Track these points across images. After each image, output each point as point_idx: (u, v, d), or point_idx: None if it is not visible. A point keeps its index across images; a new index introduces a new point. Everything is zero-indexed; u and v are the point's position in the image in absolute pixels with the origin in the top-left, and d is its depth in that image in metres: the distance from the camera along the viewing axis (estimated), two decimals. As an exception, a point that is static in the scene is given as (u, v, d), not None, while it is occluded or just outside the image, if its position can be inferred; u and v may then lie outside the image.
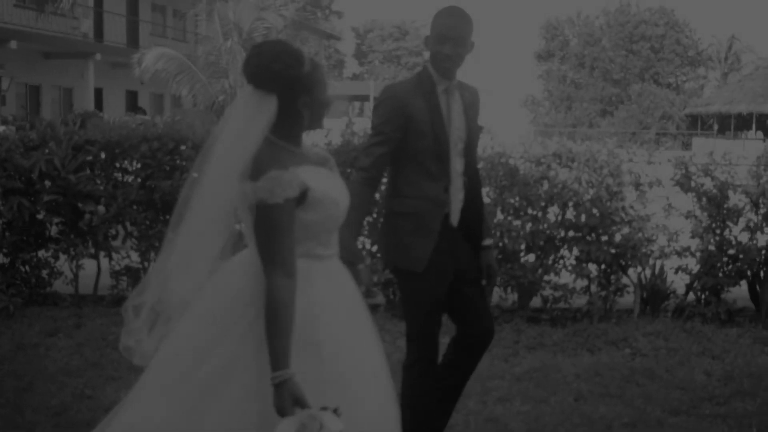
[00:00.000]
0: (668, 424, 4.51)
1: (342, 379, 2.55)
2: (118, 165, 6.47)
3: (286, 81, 2.48)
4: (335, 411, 2.38)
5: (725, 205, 6.37)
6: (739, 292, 6.75)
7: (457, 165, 3.57)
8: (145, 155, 6.22)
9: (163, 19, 33.27)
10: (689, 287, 6.57)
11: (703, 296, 6.51)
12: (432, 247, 3.50)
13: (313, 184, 2.51)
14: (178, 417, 2.53)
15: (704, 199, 6.37)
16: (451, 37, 3.46)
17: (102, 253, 6.69)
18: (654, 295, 6.51)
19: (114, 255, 6.64)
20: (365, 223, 5.59)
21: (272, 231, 2.44)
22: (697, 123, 43.47)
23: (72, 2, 18.81)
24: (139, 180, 6.37)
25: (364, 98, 36.29)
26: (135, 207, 6.32)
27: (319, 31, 44.86)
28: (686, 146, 38.48)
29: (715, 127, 41.06)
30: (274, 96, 2.47)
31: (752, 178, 6.27)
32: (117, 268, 6.63)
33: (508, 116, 56.46)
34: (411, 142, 3.48)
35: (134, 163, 6.35)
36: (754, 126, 38.12)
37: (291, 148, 2.57)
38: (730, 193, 6.41)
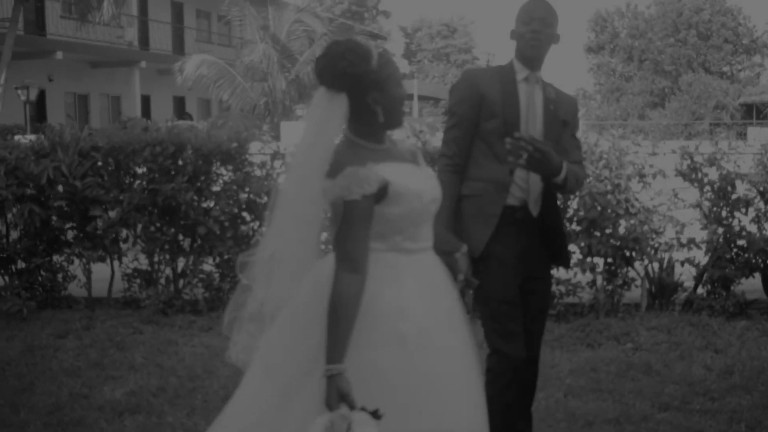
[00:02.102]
0: (654, 420, 4.43)
1: (430, 372, 2.53)
2: (123, 170, 6.61)
3: (353, 78, 2.48)
4: (375, 412, 2.35)
5: (732, 196, 6.23)
6: (754, 284, 6.62)
7: None
8: (148, 160, 6.35)
9: (208, 25, 33.74)
10: (698, 280, 6.45)
11: (712, 289, 6.39)
12: (490, 233, 3.36)
13: (392, 179, 2.51)
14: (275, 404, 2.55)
15: (708, 190, 6.25)
16: (537, 17, 3.41)
17: (114, 256, 6.86)
18: (662, 288, 6.41)
19: (124, 258, 6.79)
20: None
21: (345, 226, 2.46)
22: (752, 112, 42.41)
23: (112, 12, 19.14)
24: (144, 184, 6.50)
25: (407, 96, 36.28)
26: (139, 211, 6.45)
27: (365, 31, 45.04)
28: (741, 136, 37.57)
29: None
30: (343, 94, 2.49)
31: (757, 167, 6.12)
32: (128, 271, 6.78)
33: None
34: (482, 122, 3.42)
35: (138, 167, 6.48)
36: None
37: (371, 145, 2.57)
38: (738, 183, 6.28)
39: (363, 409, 2.35)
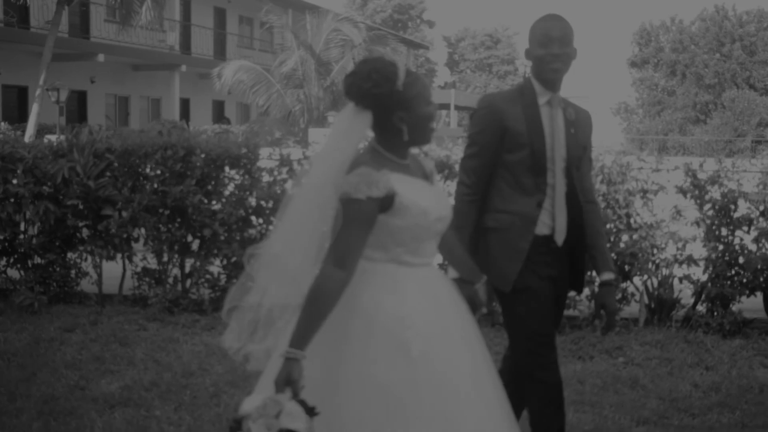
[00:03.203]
0: (629, 433, 4.49)
1: (434, 381, 2.54)
2: (139, 171, 6.82)
3: (377, 99, 2.56)
4: (312, 409, 2.37)
5: (733, 214, 6.24)
6: (756, 303, 6.61)
7: (559, 183, 3.35)
8: (159, 162, 6.55)
9: (250, 31, 34.20)
10: (697, 297, 6.46)
11: (711, 306, 6.39)
12: (519, 267, 3.30)
13: (401, 191, 2.57)
14: None
15: (709, 208, 6.26)
16: (555, 37, 3.28)
17: (125, 255, 7.07)
18: (661, 304, 6.42)
19: (134, 257, 6.99)
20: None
21: (345, 223, 2.51)
22: (797, 130, 41.79)
23: (152, 17, 19.56)
24: (155, 186, 6.69)
25: (445, 107, 36.35)
26: (149, 212, 6.64)
27: (407, 40, 45.20)
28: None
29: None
30: (369, 112, 2.58)
31: (758, 186, 6.12)
32: (137, 269, 6.98)
33: (600, 124, 55.39)
34: (506, 153, 3.32)
35: (150, 170, 6.68)
36: None
37: (396, 159, 2.65)
38: (741, 201, 6.28)
39: (302, 402, 2.38)
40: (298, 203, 2.63)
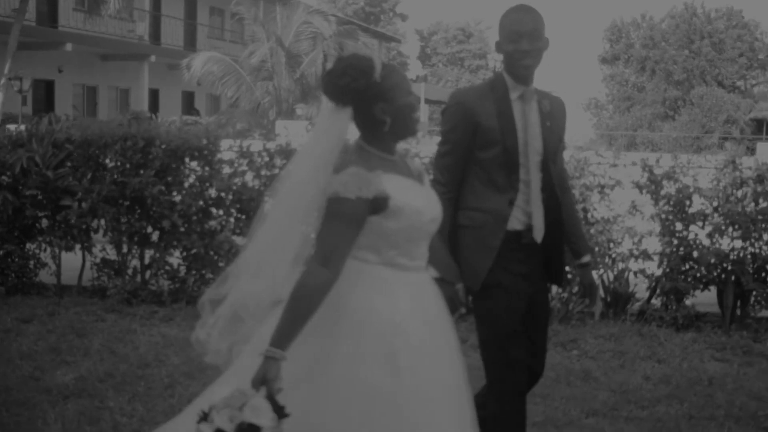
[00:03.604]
0: (578, 425, 4.55)
1: (419, 391, 2.52)
2: (99, 161, 6.79)
3: (356, 93, 2.54)
4: (282, 409, 2.34)
5: (688, 209, 6.34)
6: (710, 297, 6.72)
7: (534, 178, 3.30)
8: (118, 153, 6.53)
9: (221, 22, 33.99)
10: (652, 291, 6.56)
11: (666, 300, 6.49)
12: (489, 265, 3.25)
13: (393, 193, 2.54)
14: None
15: (664, 203, 6.36)
16: (525, 32, 3.20)
17: (85, 246, 7.04)
18: (616, 298, 6.52)
19: (94, 248, 6.96)
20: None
21: (332, 222, 2.48)
22: (763, 127, 42.29)
23: (120, 6, 19.40)
24: (115, 176, 6.66)
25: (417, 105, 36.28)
26: (108, 203, 6.62)
27: (379, 33, 45.14)
28: (751, 151, 37.46)
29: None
30: (349, 108, 2.56)
31: (712, 182, 6.23)
32: (97, 260, 6.96)
33: (571, 120, 55.56)
34: (478, 150, 3.26)
35: (110, 159, 6.66)
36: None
37: (381, 154, 2.62)
38: (696, 197, 6.38)
39: (272, 399, 2.35)
40: (280, 202, 2.62)
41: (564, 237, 3.45)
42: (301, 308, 2.43)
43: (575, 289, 6.47)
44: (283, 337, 2.41)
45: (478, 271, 3.26)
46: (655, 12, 71.03)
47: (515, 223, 3.30)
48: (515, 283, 3.29)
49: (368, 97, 2.57)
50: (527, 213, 3.30)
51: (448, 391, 2.64)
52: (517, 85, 3.28)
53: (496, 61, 56.23)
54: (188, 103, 31.11)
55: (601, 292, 6.59)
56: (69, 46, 23.23)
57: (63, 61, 24.65)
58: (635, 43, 52.85)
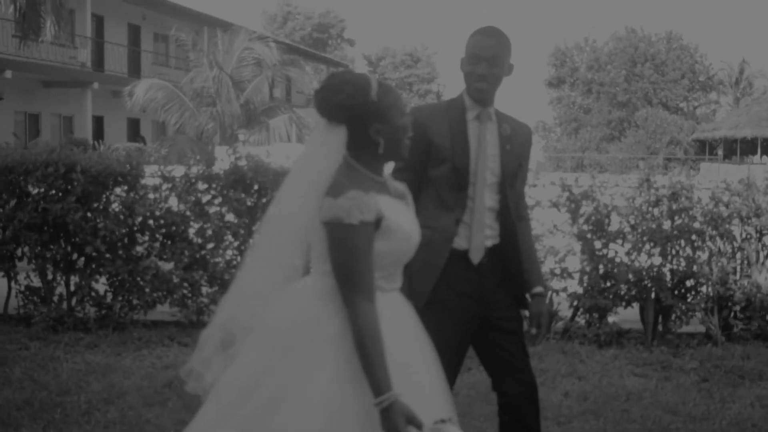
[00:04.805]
0: (494, 441, 4.61)
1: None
2: (21, 187, 6.71)
3: (351, 111, 2.48)
4: (448, 420, 2.39)
5: (606, 227, 6.48)
6: (634, 314, 6.85)
7: (484, 199, 3.30)
8: (40, 179, 6.47)
9: (165, 48, 33.82)
10: (575, 309, 6.68)
11: (589, 318, 6.61)
12: (432, 284, 3.27)
13: (388, 214, 2.50)
14: None
15: (583, 222, 6.49)
16: (484, 57, 3.23)
17: (11, 273, 6.95)
18: (540, 316, 6.60)
19: (18, 276, 6.88)
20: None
21: (351, 253, 2.43)
22: (705, 148, 43.26)
23: (56, 32, 19.19)
24: (40, 203, 6.60)
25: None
26: (30, 230, 6.55)
27: (326, 59, 45.37)
28: (695, 171, 38.28)
29: (721, 152, 40.92)
30: (342, 126, 2.49)
31: (627, 200, 6.39)
32: (22, 288, 6.87)
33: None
34: (430, 168, 3.28)
35: (32, 186, 6.60)
36: (759, 150, 37.91)
37: (373, 176, 2.57)
38: (614, 216, 6.53)
39: (442, 421, 2.38)
40: (272, 223, 2.57)
41: (521, 265, 3.43)
42: (373, 348, 2.40)
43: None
44: (381, 380, 2.37)
45: (422, 289, 3.26)
46: (598, 36, 72.34)
47: (462, 242, 3.31)
48: (459, 302, 3.30)
49: (364, 116, 2.50)
50: (475, 234, 3.31)
51: (431, 409, 2.59)
52: (475, 105, 3.31)
53: (442, 86, 56.85)
54: (134, 130, 30.84)
55: (525, 312, 6.67)
56: (9, 73, 22.96)
57: (2, 88, 24.30)
58: (580, 67, 53.82)
